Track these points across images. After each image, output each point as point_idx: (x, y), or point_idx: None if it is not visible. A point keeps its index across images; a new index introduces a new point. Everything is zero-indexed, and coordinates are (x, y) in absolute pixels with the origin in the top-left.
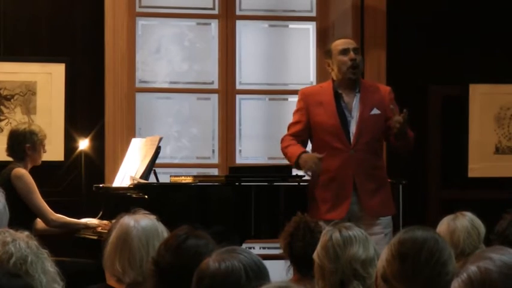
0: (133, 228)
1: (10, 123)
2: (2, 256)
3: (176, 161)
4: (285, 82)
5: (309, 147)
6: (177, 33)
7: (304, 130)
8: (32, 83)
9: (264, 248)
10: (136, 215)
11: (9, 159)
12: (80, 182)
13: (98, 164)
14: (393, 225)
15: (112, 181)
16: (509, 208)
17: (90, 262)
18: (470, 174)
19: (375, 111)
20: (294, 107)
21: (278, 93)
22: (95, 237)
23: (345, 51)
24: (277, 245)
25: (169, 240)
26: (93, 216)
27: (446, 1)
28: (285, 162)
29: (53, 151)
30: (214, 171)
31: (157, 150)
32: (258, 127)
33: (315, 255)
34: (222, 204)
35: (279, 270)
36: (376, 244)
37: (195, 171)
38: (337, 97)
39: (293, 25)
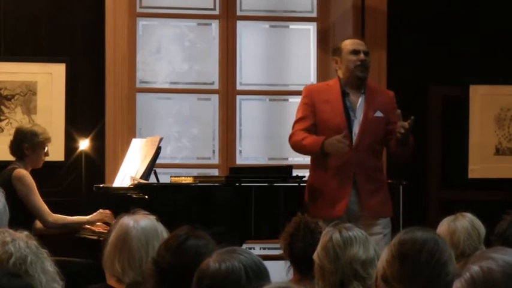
0: (133, 229)
1: (10, 123)
2: (1, 256)
3: (176, 162)
4: (285, 83)
5: None
6: (177, 33)
7: (313, 125)
8: (32, 83)
9: (264, 248)
10: (136, 215)
11: (10, 158)
12: (80, 182)
13: (98, 164)
14: (393, 226)
15: (112, 181)
16: (510, 209)
17: (90, 262)
18: (471, 175)
19: (378, 113)
20: (294, 108)
21: (278, 93)
22: (95, 237)
23: (355, 52)
24: (277, 245)
25: (169, 241)
26: None
27: (446, 1)
28: (285, 162)
29: (54, 151)
30: (215, 172)
31: (158, 150)
32: (259, 128)
33: (315, 256)
34: (222, 204)
35: (279, 271)
36: (375, 244)
37: (196, 172)
38: (343, 96)
39: (294, 26)
